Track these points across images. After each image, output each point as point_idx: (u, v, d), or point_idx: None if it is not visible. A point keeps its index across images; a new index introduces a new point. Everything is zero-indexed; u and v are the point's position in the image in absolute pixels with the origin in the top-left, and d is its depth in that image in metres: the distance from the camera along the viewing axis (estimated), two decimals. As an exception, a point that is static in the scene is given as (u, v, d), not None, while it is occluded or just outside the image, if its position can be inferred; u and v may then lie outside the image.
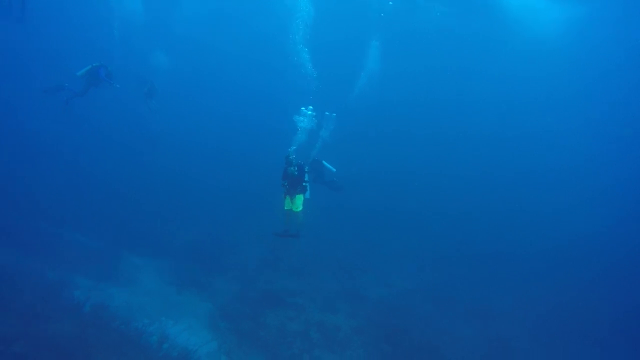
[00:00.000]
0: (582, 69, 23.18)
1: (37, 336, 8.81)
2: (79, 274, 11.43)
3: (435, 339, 11.15)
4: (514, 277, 14.39)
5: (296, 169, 9.00)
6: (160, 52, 23.28)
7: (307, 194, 9.50)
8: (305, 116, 11.31)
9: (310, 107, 14.69)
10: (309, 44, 16.63)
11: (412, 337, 10.96)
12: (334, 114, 18.69)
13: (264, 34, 25.85)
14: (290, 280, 12.56)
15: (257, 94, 26.17)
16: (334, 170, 9.57)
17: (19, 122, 17.97)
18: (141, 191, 16.09)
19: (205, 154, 19.38)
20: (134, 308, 10.72)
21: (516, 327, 12.23)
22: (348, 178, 16.88)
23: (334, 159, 10.81)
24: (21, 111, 18.30)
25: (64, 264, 11.58)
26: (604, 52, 22.57)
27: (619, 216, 18.46)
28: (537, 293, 13.76)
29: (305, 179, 9.24)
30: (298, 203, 9.37)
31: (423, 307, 12.55)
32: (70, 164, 16.66)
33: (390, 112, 24.07)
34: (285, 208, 9.60)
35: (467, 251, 15.37)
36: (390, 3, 21.11)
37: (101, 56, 12.29)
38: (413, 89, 24.40)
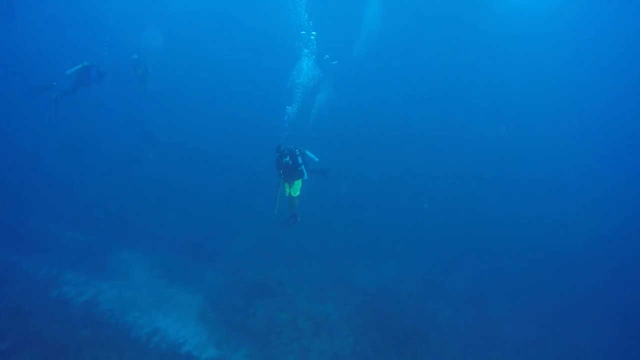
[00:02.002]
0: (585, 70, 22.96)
1: (26, 333, 8.92)
2: (68, 270, 11.53)
3: (425, 326, 11.20)
4: (505, 264, 14.38)
5: (288, 157, 9.06)
6: (155, 30, 22.77)
7: (305, 176, 9.61)
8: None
9: (314, 33, 14.59)
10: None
11: (401, 325, 11.01)
12: (335, 62, 18.56)
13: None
14: (280, 270, 12.58)
15: (251, 85, 25.83)
16: (317, 159, 9.54)
17: (7, 119, 17.89)
18: (131, 185, 16.07)
19: (193, 146, 19.27)
20: (124, 302, 10.82)
21: (507, 313, 12.27)
22: (335, 166, 16.94)
23: (323, 146, 10.74)
24: (10, 109, 18.20)
25: (54, 260, 11.68)
26: (604, 52, 22.34)
27: (616, 216, 18.44)
28: (529, 280, 13.78)
29: (300, 162, 9.29)
30: (297, 188, 9.51)
31: (413, 294, 12.58)
32: (59, 159, 16.62)
33: (384, 105, 23.87)
34: (285, 195, 9.71)
35: (458, 238, 15.33)
36: None
37: (92, 54, 12.13)
38: (409, 84, 24.12)
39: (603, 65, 23.35)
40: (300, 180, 9.53)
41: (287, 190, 9.74)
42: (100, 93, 11.98)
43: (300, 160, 9.27)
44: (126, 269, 12.15)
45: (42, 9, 23.63)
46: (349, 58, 22.48)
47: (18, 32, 19.14)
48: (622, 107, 23.31)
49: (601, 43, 22.91)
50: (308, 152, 9.60)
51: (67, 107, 12.12)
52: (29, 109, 16.77)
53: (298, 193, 9.68)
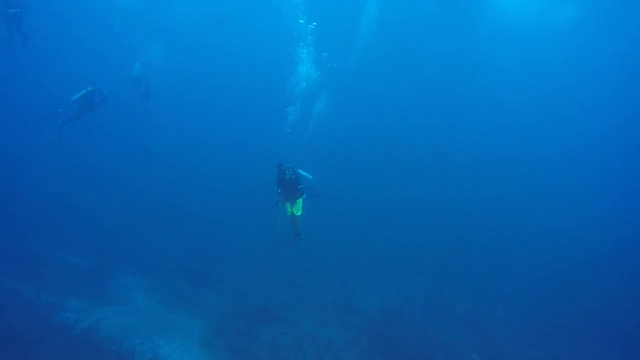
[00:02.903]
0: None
1: (26, 362, 8.74)
2: (69, 296, 11.36)
3: (429, 347, 11.14)
4: (507, 284, 14.42)
5: (293, 174, 9.22)
6: (157, 48, 23.00)
7: (304, 195, 9.76)
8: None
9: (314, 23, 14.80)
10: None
11: (406, 347, 10.95)
12: (334, 64, 18.84)
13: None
14: (282, 293, 12.52)
15: (251, 103, 25.95)
16: (310, 177, 9.69)
17: (11, 144, 17.95)
18: (131, 209, 16.05)
19: (195, 169, 19.42)
20: (125, 328, 10.66)
21: (510, 334, 12.24)
22: (336, 185, 17.08)
23: (320, 164, 10.92)
24: (15, 136, 18.28)
25: (54, 286, 11.52)
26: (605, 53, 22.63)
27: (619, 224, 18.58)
28: (531, 300, 13.78)
29: (300, 180, 9.46)
30: (299, 207, 9.72)
31: (416, 315, 12.56)
32: (60, 183, 16.62)
33: (383, 108, 24.10)
34: (288, 214, 9.94)
35: (459, 257, 15.40)
36: None
37: (95, 79, 12.34)
38: (408, 85, 24.30)
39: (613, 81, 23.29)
40: (301, 198, 9.71)
41: (289, 209, 9.92)
42: (103, 116, 12.12)
43: (300, 179, 9.46)
44: (127, 294, 12.01)
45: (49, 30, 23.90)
46: (347, 61, 22.69)
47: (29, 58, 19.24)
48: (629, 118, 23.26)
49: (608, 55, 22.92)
50: (301, 171, 9.80)
51: (71, 131, 12.24)
52: (30, 134, 16.90)
53: (300, 212, 9.88)
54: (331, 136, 21.92)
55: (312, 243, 14.39)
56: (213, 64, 27.22)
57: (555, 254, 16.31)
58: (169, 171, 19.32)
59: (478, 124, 23.07)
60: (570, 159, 22.61)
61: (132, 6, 23.95)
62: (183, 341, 10.52)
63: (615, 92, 22.77)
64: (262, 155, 14.53)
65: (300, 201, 9.79)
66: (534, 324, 12.70)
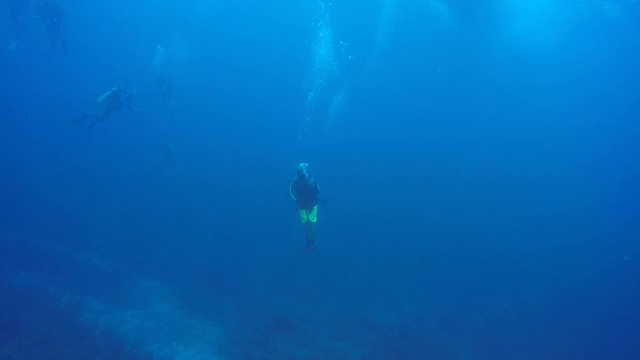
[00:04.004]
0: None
1: (49, 360, 8.91)
2: (91, 296, 11.60)
3: (448, 367, 10.94)
4: (528, 303, 14.09)
5: (313, 180, 9.18)
6: (180, 44, 23.06)
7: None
8: None
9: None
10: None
11: (423, 366, 10.77)
12: (352, 57, 18.65)
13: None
14: (300, 305, 12.50)
15: (273, 104, 25.91)
16: (318, 188, 9.63)
17: (39, 145, 18.56)
18: (155, 213, 16.35)
19: (217, 176, 19.65)
20: (144, 332, 10.80)
21: (530, 356, 11.92)
22: (354, 199, 17.02)
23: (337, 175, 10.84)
24: (44, 137, 18.87)
25: (77, 286, 11.78)
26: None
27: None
28: (554, 322, 13.41)
29: (318, 187, 9.40)
30: (314, 214, 9.63)
31: (435, 333, 12.33)
32: (86, 187, 17.06)
33: (392, 120, 24.06)
34: (302, 222, 9.78)
35: (478, 276, 15.13)
36: None
37: (119, 79, 12.68)
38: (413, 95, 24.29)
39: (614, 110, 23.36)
40: (316, 205, 9.64)
41: (305, 217, 9.81)
42: (129, 115, 12.30)
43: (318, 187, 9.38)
44: (147, 298, 12.18)
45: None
46: (366, 55, 22.52)
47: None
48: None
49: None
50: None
51: (99, 133, 12.54)
52: (58, 138, 17.45)
53: (316, 219, 9.77)
54: (348, 147, 21.94)
55: (330, 256, 14.42)
56: (233, 59, 27.20)
57: (579, 275, 15.85)
58: (190, 175, 19.53)
59: (501, 142, 22.90)
60: (589, 177, 22.33)
61: (157, 4, 24.31)
62: (201, 348, 10.58)
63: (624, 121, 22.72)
64: (281, 163, 14.52)
65: (315, 208, 9.70)
66: (555, 347, 12.33)
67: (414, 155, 22.37)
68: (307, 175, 9.16)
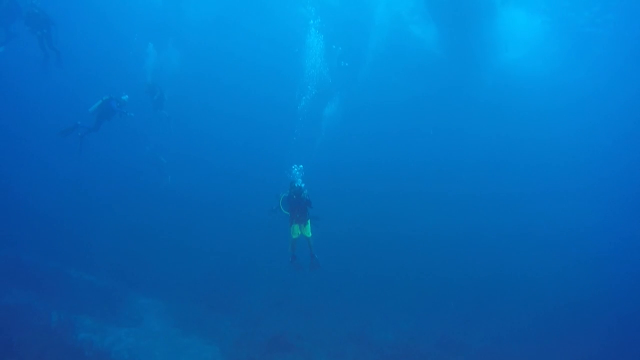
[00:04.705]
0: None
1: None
2: (84, 314, 11.32)
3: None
4: (527, 320, 14.12)
5: (307, 192, 8.96)
6: (172, 51, 22.71)
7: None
8: None
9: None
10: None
11: (422, 385, 10.69)
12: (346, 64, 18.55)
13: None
14: (297, 322, 12.38)
15: (269, 114, 25.56)
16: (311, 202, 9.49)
17: (30, 159, 18.28)
18: (149, 229, 16.14)
19: (213, 190, 19.48)
20: (139, 351, 10.55)
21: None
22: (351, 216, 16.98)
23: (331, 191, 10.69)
24: (35, 150, 18.58)
25: (70, 304, 11.50)
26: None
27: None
28: (552, 340, 13.44)
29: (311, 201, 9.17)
30: (309, 228, 9.24)
31: (433, 352, 12.27)
32: (78, 202, 16.82)
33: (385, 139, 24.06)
34: (294, 237, 9.29)
35: (475, 294, 15.15)
36: None
37: (110, 89, 12.44)
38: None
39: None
40: (309, 219, 9.39)
41: (298, 232, 9.38)
42: (123, 122, 12.05)
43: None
44: (142, 316, 11.97)
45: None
46: (359, 63, 22.52)
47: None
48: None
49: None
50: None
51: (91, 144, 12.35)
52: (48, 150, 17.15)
53: (310, 234, 9.41)
54: (342, 162, 21.88)
55: (326, 273, 14.28)
56: (225, 68, 27.01)
57: (578, 292, 15.89)
58: (184, 189, 19.27)
59: (497, 159, 23.03)
60: (582, 198, 22.56)
61: (147, 10, 24.08)
62: (197, 367, 10.39)
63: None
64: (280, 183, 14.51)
65: (309, 222, 9.29)
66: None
67: (411, 171, 22.43)
68: (302, 186, 8.87)
